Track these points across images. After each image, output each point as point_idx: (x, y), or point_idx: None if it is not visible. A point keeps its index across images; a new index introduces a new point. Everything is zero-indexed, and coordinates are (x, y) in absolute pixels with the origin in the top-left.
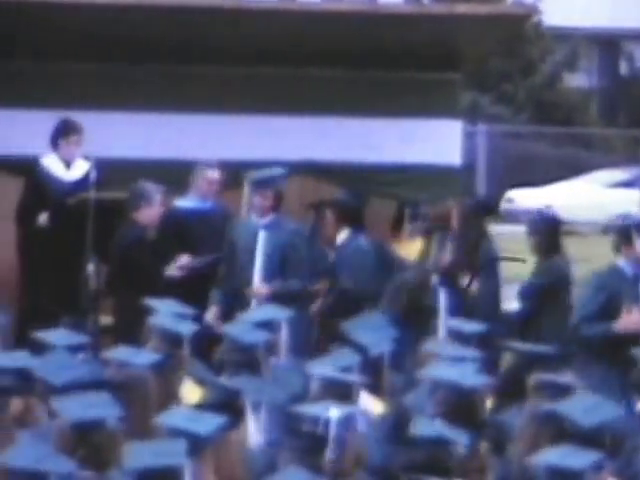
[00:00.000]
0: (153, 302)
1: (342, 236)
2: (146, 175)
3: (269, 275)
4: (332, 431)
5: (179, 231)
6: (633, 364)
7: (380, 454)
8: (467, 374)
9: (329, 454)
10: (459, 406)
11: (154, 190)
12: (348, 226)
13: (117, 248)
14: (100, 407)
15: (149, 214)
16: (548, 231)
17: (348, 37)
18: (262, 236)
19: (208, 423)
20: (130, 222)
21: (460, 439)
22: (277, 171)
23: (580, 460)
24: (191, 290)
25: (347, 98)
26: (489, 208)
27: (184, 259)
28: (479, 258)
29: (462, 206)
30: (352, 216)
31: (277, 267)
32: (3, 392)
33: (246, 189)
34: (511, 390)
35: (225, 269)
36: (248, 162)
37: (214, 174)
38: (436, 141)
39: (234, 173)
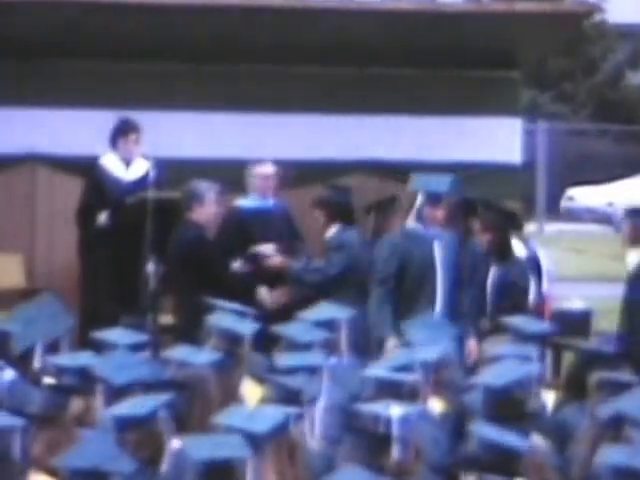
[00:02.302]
0: (213, 301)
1: (332, 230)
2: (205, 174)
3: (451, 287)
4: (395, 430)
5: (241, 230)
6: None
7: (441, 453)
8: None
9: (394, 453)
10: (502, 405)
11: (206, 189)
12: (338, 223)
13: (176, 247)
14: (143, 405)
15: (203, 213)
16: None
17: (409, 36)
18: (438, 247)
19: (266, 421)
20: (187, 222)
21: (517, 442)
22: (448, 180)
23: None
24: (251, 289)
25: (408, 96)
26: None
27: (265, 246)
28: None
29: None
30: (341, 213)
31: (457, 279)
32: (64, 391)
33: (419, 198)
34: (574, 388)
35: (394, 284)
36: (309, 161)
37: (268, 170)
38: (496, 139)
39: (298, 172)
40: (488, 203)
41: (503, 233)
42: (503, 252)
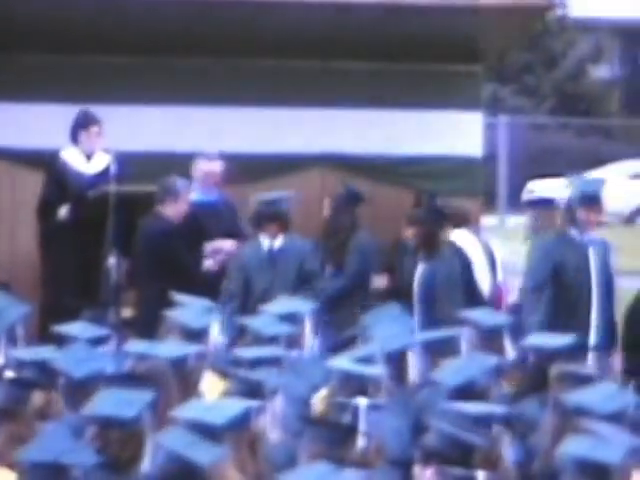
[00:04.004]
0: (176, 295)
1: None
2: (167, 167)
3: (606, 294)
4: (362, 420)
5: (197, 224)
6: None
7: (401, 445)
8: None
9: (361, 443)
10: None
11: (182, 186)
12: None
13: (142, 240)
14: (127, 404)
15: (176, 209)
16: None
17: (370, 29)
18: (592, 253)
19: (227, 414)
20: (155, 215)
21: (476, 435)
22: (603, 182)
23: (609, 452)
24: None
25: (368, 90)
26: (359, 198)
27: (221, 242)
28: (348, 248)
29: (333, 196)
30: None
31: (609, 286)
32: (25, 385)
33: (574, 200)
34: (534, 380)
35: (549, 290)
36: (270, 155)
37: (214, 166)
38: (457, 133)
39: (257, 165)
40: (418, 198)
41: (429, 228)
42: (429, 247)
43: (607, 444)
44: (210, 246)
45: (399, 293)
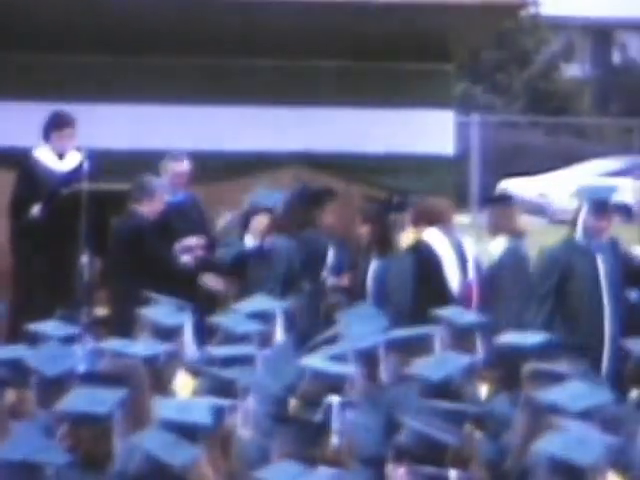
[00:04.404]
0: (150, 293)
1: None
2: (139, 166)
3: (619, 300)
4: (335, 418)
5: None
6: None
7: (373, 443)
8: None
9: (333, 441)
10: (437, 396)
11: (157, 184)
12: None
13: (117, 238)
14: (99, 401)
15: (151, 207)
16: None
17: (340, 28)
18: (601, 260)
19: (202, 413)
20: (131, 213)
21: (447, 434)
22: (615, 189)
23: (585, 452)
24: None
25: (340, 89)
26: (317, 197)
27: (191, 239)
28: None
29: (290, 194)
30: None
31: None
32: None
33: (583, 208)
34: (507, 379)
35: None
36: (243, 153)
37: (182, 165)
38: (428, 131)
39: (231, 164)
40: (369, 195)
41: (383, 225)
42: (382, 244)
43: (582, 444)
44: (180, 245)
45: (356, 291)
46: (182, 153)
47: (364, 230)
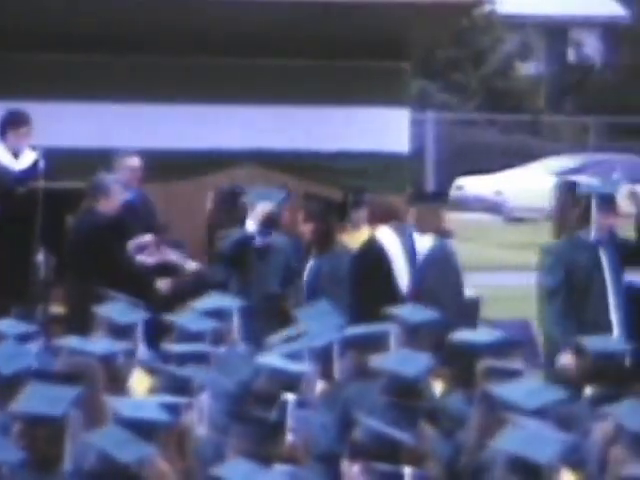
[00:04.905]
0: (105, 291)
1: None
2: (95, 165)
3: (621, 295)
4: (290, 416)
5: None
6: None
7: (328, 441)
8: (409, 362)
9: (288, 440)
10: (402, 393)
11: (112, 182)
12: None
13: (75, 236)
14: (54, 401)
15: (108, 205)
16: None
17: (297, 26)
18: (604, 254)
19: (155, 411)
20: (88, 211)
21: (402, 431)
22: (620, 184)
23: (541, 449)
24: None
25: (295, 87)
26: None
27: (146, 237)
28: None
29: (216, 193)
30: None
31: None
32: None
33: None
34: (461, 376)
35: (565, 293)
36: (198, 151)
37: (134, 162)
38: (384, 129)
39: (184, 163)
40: (309, 193)
41: (325, 223)
42: (323, 243)
43: (539, 441)
44: (133, 243)
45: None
46: (133, 150)
47: (306, 228)
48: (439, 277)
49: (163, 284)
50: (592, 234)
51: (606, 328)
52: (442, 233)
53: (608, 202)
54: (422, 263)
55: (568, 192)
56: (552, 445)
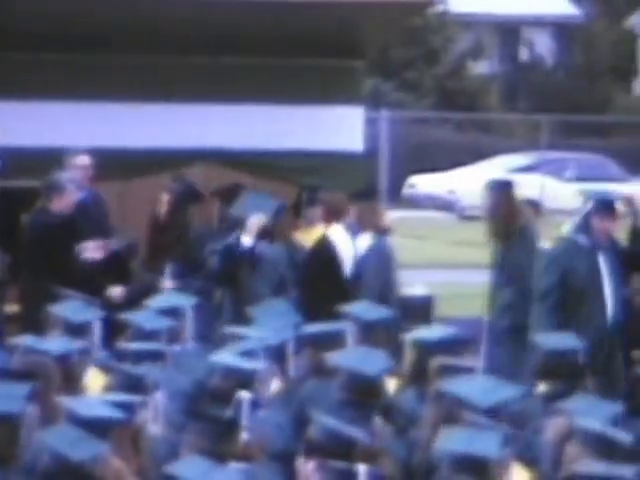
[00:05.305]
0: (60, 290)
1: None
2: (49, 164)
3: (620, 299)
4: (245, 414)
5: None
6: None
7: (283, 438)
8: (368, 360)
9: (243, 438)
10: (360, 390)
11: (66, 181)
12: None
13: (28, 235)
14: (10, 399)
15: (61, 204)
16: None
17: (251, 24)
18: (603, 259)
19: (111, 409)
20: (41, 210)
21: (356, 429)
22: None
23: (484, 446)
24: (100, 278)
25: (250, 85)
26: (198, 196)
27: (101, 242)
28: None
29: (170, 192)
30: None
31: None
32: None
33: (587, 207)
34: (415, 374)
35: (557, 298)
36: (154, 149)
37: (84, 161)
38: (338, 128)
39: (139, 161)
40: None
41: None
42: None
43: (483, 438)
44: (84, 246)
45: None
46: (83, 149)
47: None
48: (375, 275)
49: (114, 292)
50: (587, 238)
51: (602, 332)
52: (380, 230)
53: (606, 207)
54: (360, 260)
55: (501, 191)
56: (496, 441)
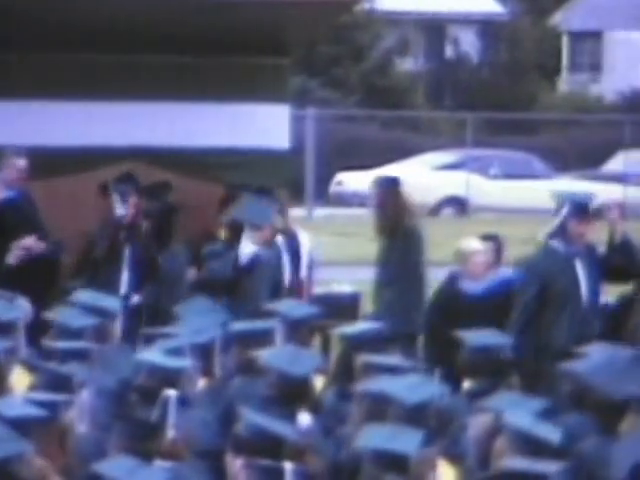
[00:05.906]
0: None
1: None
2: None
3: (596, 304)
4: (172, 413)
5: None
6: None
7: (210, 436)
8: (297, 360)
9: (168, 436)
10: (289, 389)
11: None
12: None
13: None
14: None
15: None
16: None
17: (176, 22)
18: (579, 264)
19: (34, 408)
20: None
21: (283, 427)
22: (593, 193)
23: (405, 442)
24: (27, 277)
25: (176, 83)
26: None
27: (28, 241)
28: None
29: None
30: None
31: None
32: None
33: (563, 211)
34: (341, 371)
35: (536, 307)
36: (81, 148)
37: (21, 164)
38: (264, 125)
39: (66, 159)
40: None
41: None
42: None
43: (404, 435)
44: (16, 244)
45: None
46: (17, 148)
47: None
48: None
49: (11, 257)
50: (563, 244)
51: (582, 338)
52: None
53: (582, 210)
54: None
55: (388, 188)
56: (416, 438)
